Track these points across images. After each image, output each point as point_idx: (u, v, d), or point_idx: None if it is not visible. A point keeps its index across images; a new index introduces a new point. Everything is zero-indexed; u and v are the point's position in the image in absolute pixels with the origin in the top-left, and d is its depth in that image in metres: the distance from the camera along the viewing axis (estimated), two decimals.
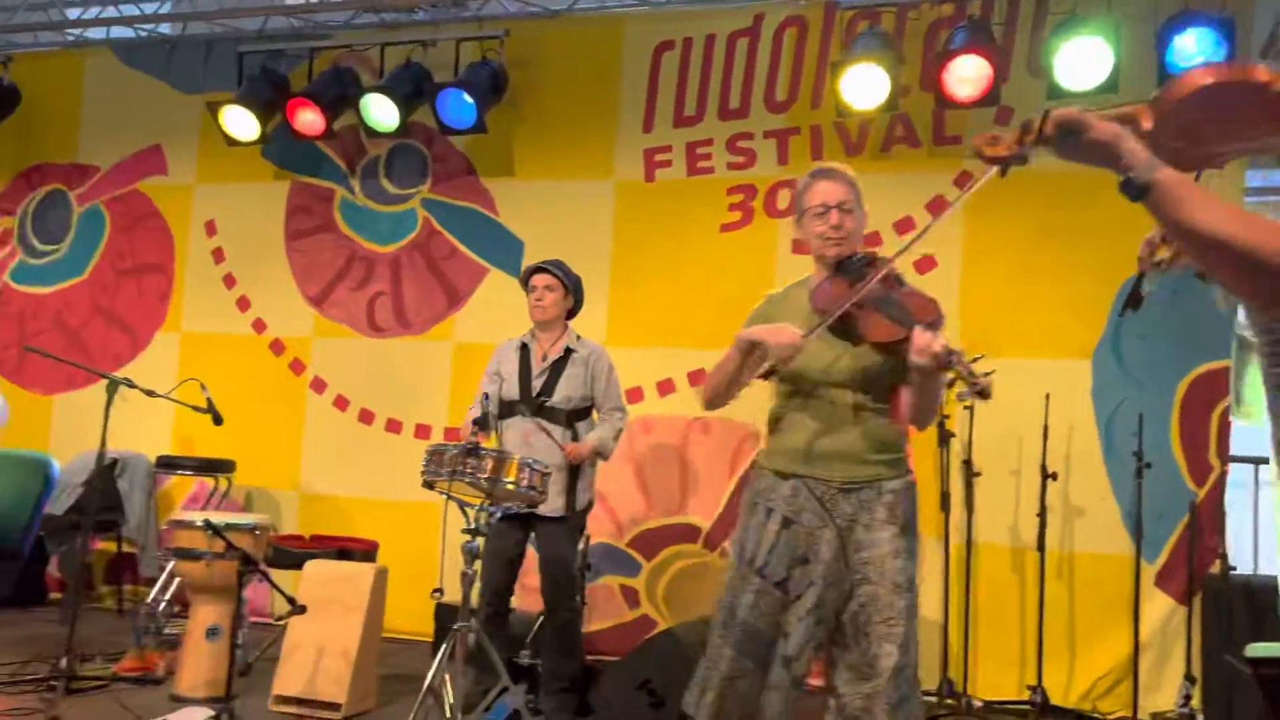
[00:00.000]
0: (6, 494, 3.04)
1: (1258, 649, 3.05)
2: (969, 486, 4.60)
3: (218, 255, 6.12)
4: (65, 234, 6.44)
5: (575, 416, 4.03)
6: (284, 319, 5.95)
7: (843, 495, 2.46)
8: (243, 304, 6.04)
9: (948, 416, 4.42)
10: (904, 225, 4.85)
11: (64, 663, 3.89)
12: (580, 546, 4.41)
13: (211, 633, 3.98)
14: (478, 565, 3.55)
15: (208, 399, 4.29)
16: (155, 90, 6.28)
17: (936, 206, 4.89)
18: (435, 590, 4.08)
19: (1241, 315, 4.95)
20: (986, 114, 4.84)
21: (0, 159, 6.52)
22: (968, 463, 4.59)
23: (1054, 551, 4.58)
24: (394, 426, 5.69)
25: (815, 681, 2.52)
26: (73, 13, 6.44)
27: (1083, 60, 4.47)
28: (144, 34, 6.41)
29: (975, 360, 2.28)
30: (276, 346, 5.95)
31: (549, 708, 3.92)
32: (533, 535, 4.00)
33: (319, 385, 5.86)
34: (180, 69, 6.26)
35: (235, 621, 3.73)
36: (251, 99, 5.64)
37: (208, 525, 3.70)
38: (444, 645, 3.46)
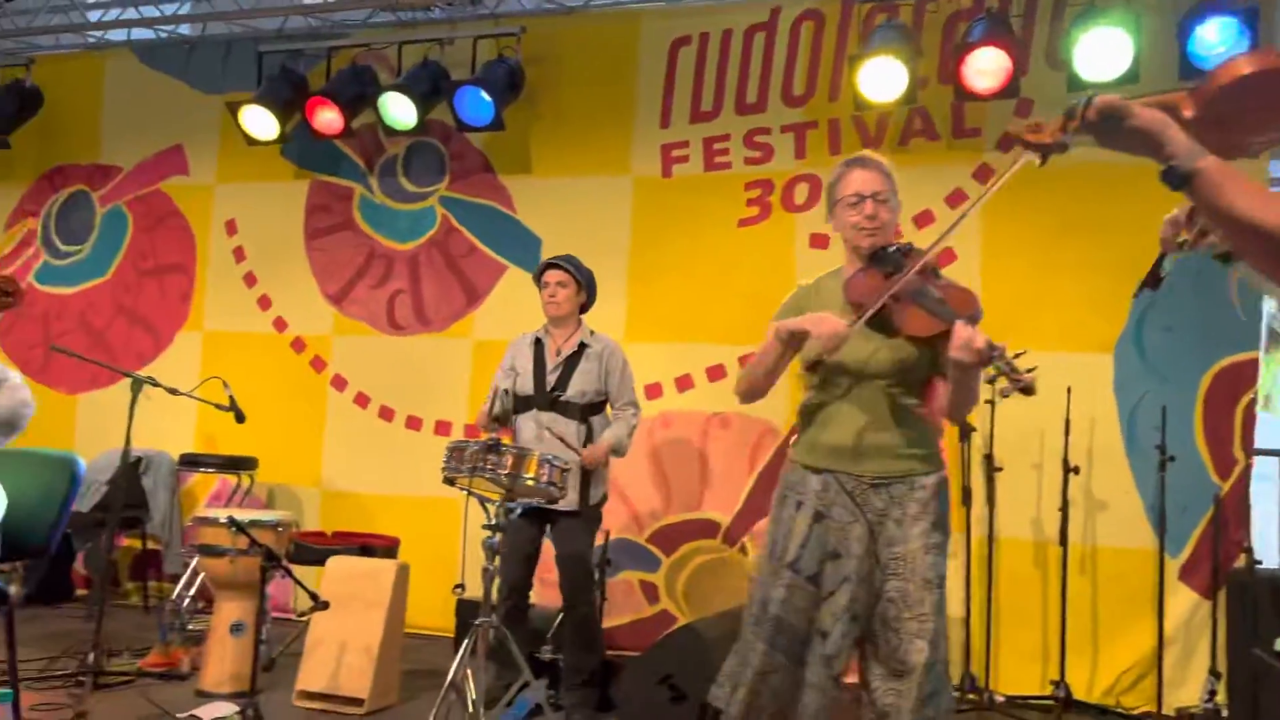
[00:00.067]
0: (34, 492, 3.07)
1: None
2: (990, 481, 4.58)
3: (238, 254, 6.16)
4: (88, 235, 6.50)
5: (589, 411, 4.05)
6: (304, 317, 5.99)
7: (873, 490, 2.45)
8: (264, 303, 6.08)
9: None
10: (923, 219, 4.83)
11: (91, 658, 3.93)
12: (600, 542, 4.43)
13: (235, 628, 4.01)
14: (498, 561, 3.57)
15: (230, 397, 4.32)
16: (175, 91, 6.33)
17: (956, 199, 4.87)
18: (457, 586, 4.11)
19: (1273, 305, 4.90)
20: (1005, 106, 4.81)
21: (23, 161, 6.58)
22: (989, 457, 4.57)
23: (1076, 546, 4.56)
24: (414, 423, 5.72)
25: (849, 678, 2.51)
26: (93, 14, 6.49)
27: (1103, 51, 4.43)
28: (164, 35, 6.45)
29: (1017, 356, 2.24)
30: (297, 344, 5.99)
31: (570, 702, 3.94)
32: (549, 531, 4.02)
33: (339, 383, 5.90)
34: (200, 69, 6.30)
35: (259, 617, 3.77)
36: (270, 99, 5.68)
37: (231, 522, 3.74)
38: (466, 641, 3.48)
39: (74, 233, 6.53)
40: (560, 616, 4.23)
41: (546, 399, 4.01)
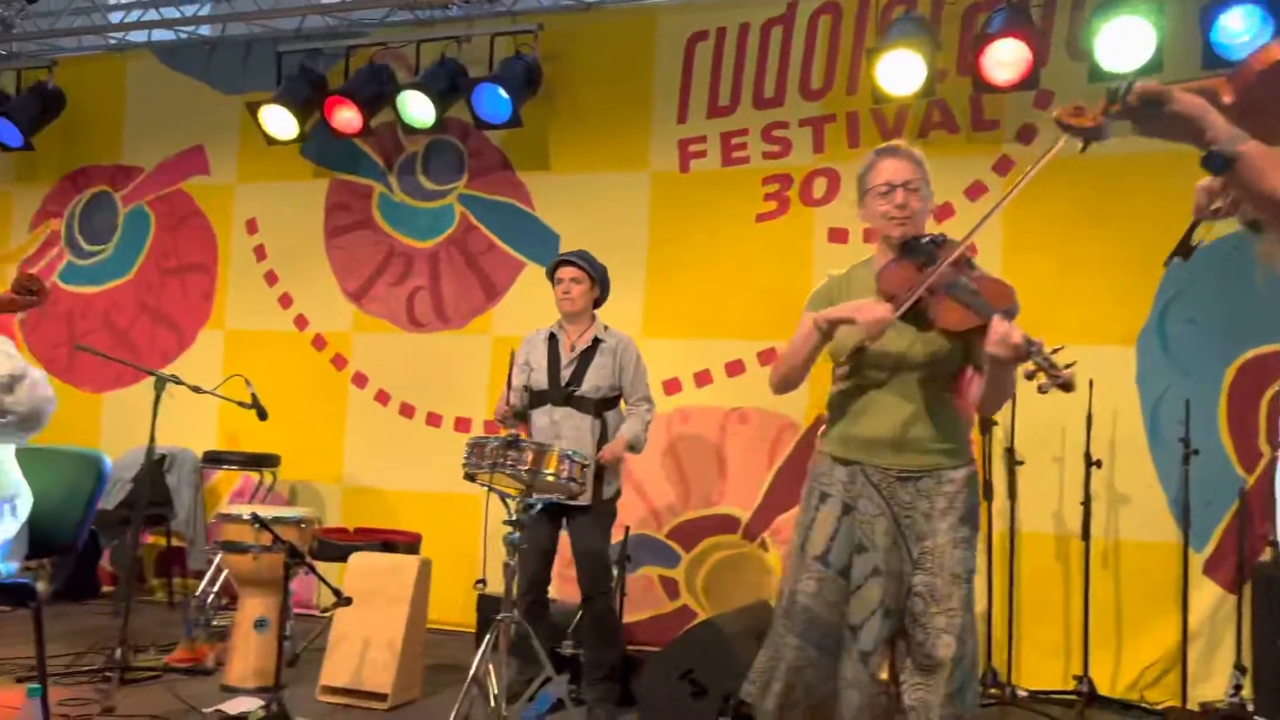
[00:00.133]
0: (60, 490, 3.10)
1: None
2: (1012, 475, 4.56)
3: (259, 253, 6.21)
4: (111, 235, 6.56)
5: (603, 406, 4.06)
6: (325, 315, 6.03)
7: (900, 483, 2.44)
8: (284, 301, 6.12)
9: None
10: (943, 212, 4.80)
11: (118, 654, 3.98)
12: (621, 538, 4.44)
13: (259, 624, 4.04)
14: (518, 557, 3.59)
15: (252, 394, 4.36)
16: (196, 91, 6.38)
17: (975, 192, 4.84)
18: (478, 581, 4.14)
19: None
20: (1025, 98, 4.78)
21: (47, 162, 6.65)
22: (1010, 451, 4.55)
23: (1099, 540, 4.53)
24: (434, 420, 5.75)
25: (880, 674, 2.50)
26: (114, 16, 6.55)
27: (1125, 41, 4.38)
28: (184, 36, 6.50)
29: (1055, 351, 2.20)
30: (318, 342, 6.03)
31: (592, 697, 3.95)
32: (565, 526, 4.03)
33: (360, 380, 5.93)
34: (220, 70, 6.34)
35: (282, 613, 3.80)
36: (290, 98, 5.71)
37: (255, 519, 3.77)
38: (487, 636, 3.50)
39: (97, 233, 6.59)
40: (581, 612, 4.24)
41: (561, 394, 4.02)
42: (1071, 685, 4.37)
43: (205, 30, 6.46)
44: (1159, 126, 1.41)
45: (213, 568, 5.12)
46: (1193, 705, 4.22)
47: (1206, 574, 4.43)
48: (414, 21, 5.93)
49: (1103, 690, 4.37)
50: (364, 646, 3.92)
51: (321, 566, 3.76)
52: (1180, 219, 1.77)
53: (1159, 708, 4.32)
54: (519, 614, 3.59)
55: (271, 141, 5.82)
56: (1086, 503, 4.37)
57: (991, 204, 4.75)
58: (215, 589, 5.03)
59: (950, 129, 4.99)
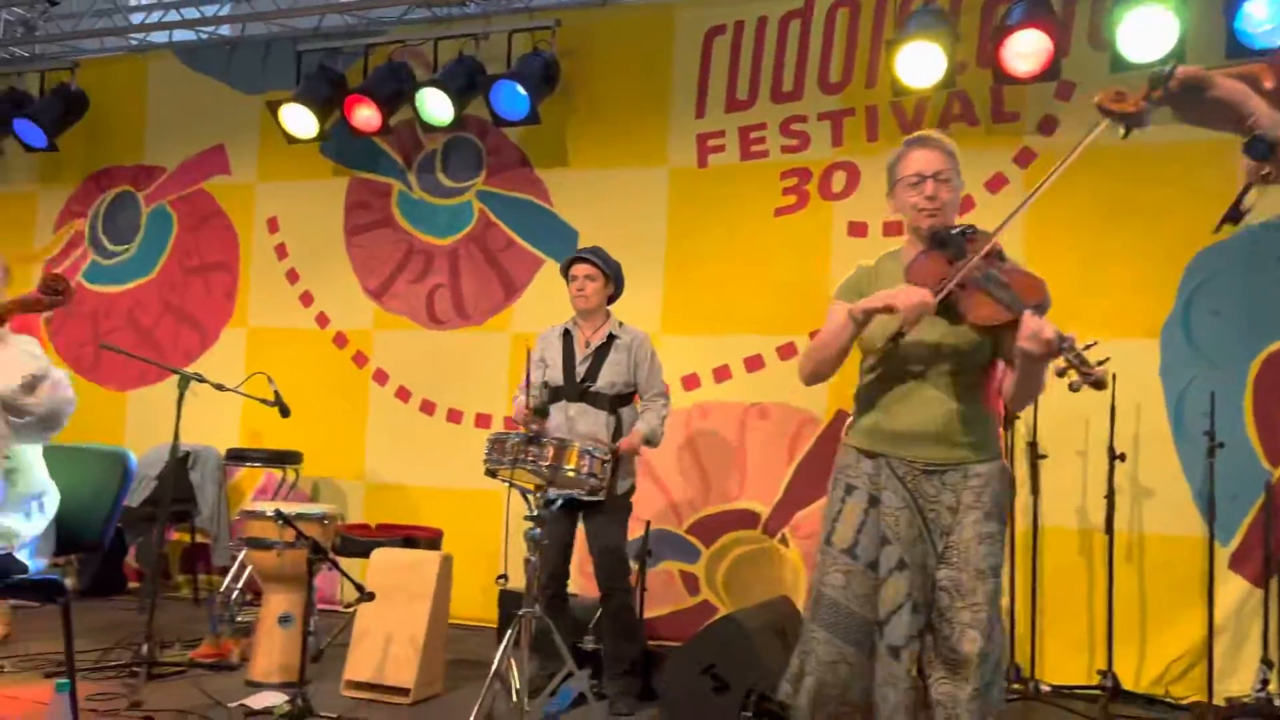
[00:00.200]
0: (87, 487, 3.13)
1: None
2: (1034, 469, 4.53)
3: (280, 251, 6.25)
4: (134, 234, 6.62)
5: (618, 402, 4.07)
6: (346, 313, 6.06)
7: (925, 476, 2.42)
8: (306, 299, 6.16)
9: None
10: (964, 205, 4.72)
11: (145, 649, 4.02)
12: (641, 534, 4.45)
13: (283, 620, 4.08)
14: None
15: (275, 392, 4.39)
16: (217, 91, 6.42)
17: (996, 184, 4.81)
18: (500, 576, 4.15)
19: None
20: (1046, 89, 4.75)
21: (71, 162, 6.71)
22: (1033, 445, 4.52)
23: (1123, 534, 4.50)
24: (455, 416, 5.77)
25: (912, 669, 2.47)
26: (136, 17, 6.60)
27: (1147, 30, 4.33)
28: (205, 36, 6.55)
29: (1088, 347, 2.16)
30: (339, 340, 6.06)
31: (613, 692, 3.96)
32: (582, 522, 4.05)
33: (381, 377, 5.96)
34: (240, 70, 6.39)
35: (306, 609, 3.83)
36: (309, 97, 5.74)
37: (279, 515, 3.80)
38: (509, 631, 3.51)
39: (121, 232, 6.66)
40: (601, 607, 4.25)
41: (576, 390, 4.04)
42: (1095, 680, 4.35)
43: (225, 30, 6.50)
44: (1199, 113, 1.39)
45: (237, 564, 5.16)
46: (1219, 700, 4.18)
47: (1232, 568, 4.39)
48: (432, 19, 5.94)
49: (1127, 685, 4.34)
50: (387, 642, 3.95)
51: (344, 562, 3.78)
52: (1205, 210, 1.76)
53: (1184, 702, 4.29)
54: (540, 609, 3.60)
55: (292, 140, 5.86)
56: (1110, 496, 4.34)
57: (1012, 195, 4.77)
58: (239, 585, 5.07)
59: (970, 121, 4.95)
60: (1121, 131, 1.55)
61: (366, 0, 5.97)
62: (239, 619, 4.64)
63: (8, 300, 2.99)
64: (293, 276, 6.20)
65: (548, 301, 5.48)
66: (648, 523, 4.67)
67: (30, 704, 3.49)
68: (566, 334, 4.17)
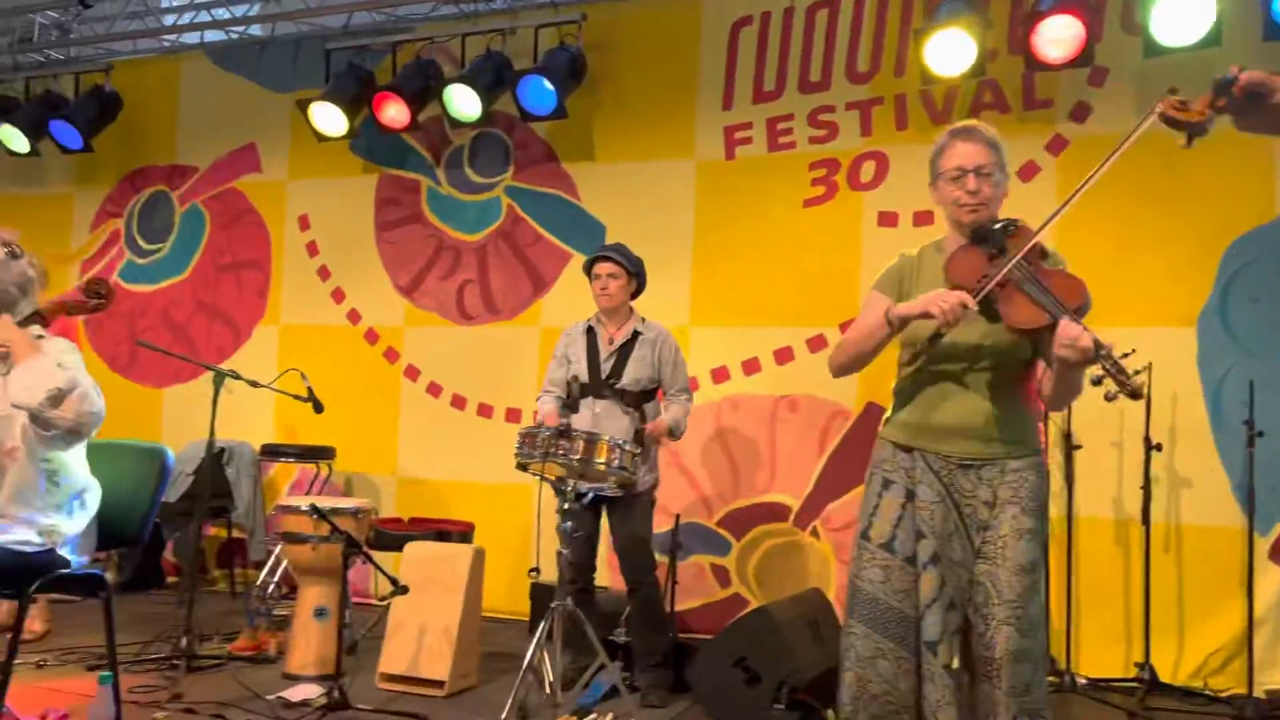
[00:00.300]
0: (127, 484, 3.18)
1: None
2: (1069, 459, 4.48)
3: (311, 249, 6.30)
4: (168, 233, 6.70)
5: (643, 398, 4.08)
6: (377, 309, 6.11)
7: (961, 471, 2.40)
8: (337, 295, 6.21)
9: None
10: None
11: (184, 643, 4.08)
12: (667, 526, 4.45)
13: (319, 613, 4.12)
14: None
15: (308, 388, 4.43)
16: (247, 91, 6.49)
17: (1028, 173, 4.76)
18: (532, 569, 4.17)
19: None
20: (1079, 75, 4.69)
21: (106, 163, 6.81)
22: (1067, 436, 4.47)
23: (1160, 524, 4.44)
24: (485, 411, 5.80)
25: (954, 663, 2.45)
26: (167, 19, 6.68)
27: (1182, 13, 4.27)
28: (235, 36, 6.61)
29: (1125, 356, 2.14)
30: (371, 336, 6.11)
31: (645, 684, 3.97)
32: (606, 515, 4.06)
33: (412, 373, 6.00)
34: (270, 69, 6.44)
35: (341, 602, 3.87)
36: (338, 95, 5.78)
37: (314, 510, 3.84)
38: (542, 623, 3.53)
39: (155, 232, 6.74)
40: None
41: (602, 388, 4.05)
42: (1133, 673, 4.30)
43: (256, 30, 6.56)
44: (1264, 119, 1.36)
45: (272, 558, 5.23)
46: (1258, 693, 4.12)
47: (1272, 559, 4.33)
48: (459, 15, 5.97)
49: (1164, 677, 4.29)
50: (421, 634, 3.98)
51: (378, 556, 3.81)
52: (1240, 197, 1.73)
53: (1224, 695, 4.23)
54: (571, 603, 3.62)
55: (321, 138, 5.91)
56: (1146, 487, 4.28)
57: (1045, 182, 4.71)
58: (275, 579, 5.13)
59: (1001, 109, 4.90)
60: (1183, 140, 1.51)
61: None
62: (275, 612, 4.70)
63: (52, 303, 3.04)
64: (324, 273, 6.26)
65: (576, 296, 5.48)
66: (677, 516, 4.67)
67: (75, 696, 3.55)
68: (590, 331, 4.18)
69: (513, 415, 5.68)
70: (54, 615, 4.61)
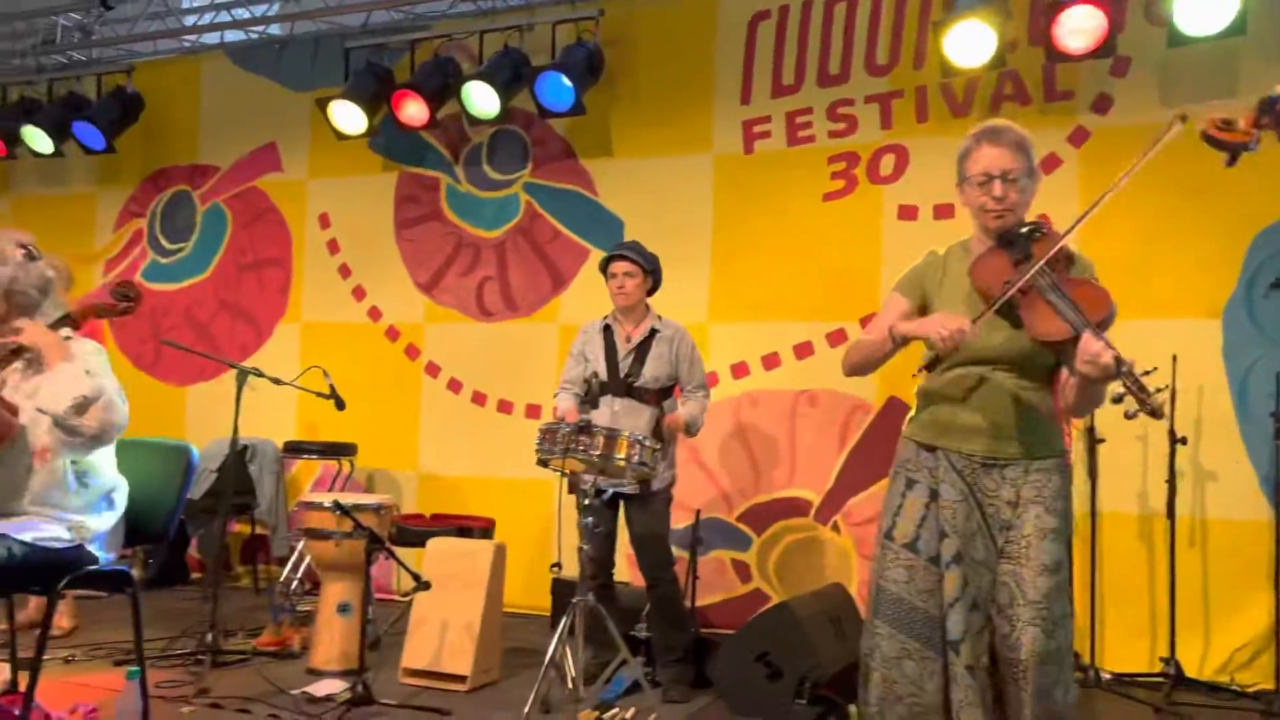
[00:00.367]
0: (153, 481, 3.21)
1: None
2: (1092, 454, 4.45)
3: (332, 247, 6.34)
4: (191, 232, 6.76)
5: (661, 395, 4.09)
6: (397, 306, 6.14)
7: (984, 470, 2.39)
8: (358, 293, 6.24)
9: None
10: None
11: (209, 638, 4.12)
12: (686, 522, 4.45)
13: (342, 609, 4.15)
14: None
15: (330, 385, 4.45)
16: (268, 90, 6.53)
17: (1050, 165, 4.72)
18: (554, 565, 4.18)
19: None
20: (1101, 66, 4.65)
21: (128, 164, 6.86)
22: (1090, 429, 4.44)
23: (1185, 518, 4.40)
24: (505, 407, 5.82)
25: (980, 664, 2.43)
26: (188, 19, 6.73)
27: (1206, 4, 4.22)
28: (255, 36, 6.65)
29: (1146, 374, 2.12)
30: (391, 333, 6.14)
31: (666, 679, 3.98)
32: (624, 512, 4.06)
33: (433, 369, 6.03)
34: (290, 68, 6.48)
35: (364, 598, 3.89)
36: (357, 93, 5.81)
37: (336, 506, 3.86)
38: (564, 618, 3.54)
39: (178, 231, 6.80)
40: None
41: (621, 386, 4.05)
42: (1158, 667, 4.27)
43: (275, 30, 6.60)
44: None
45: (295, 554, 5.26)
46: None
47: None
48: (477, 12, 5.98)
49: (1190, 672, 4.25)
50: (443, 629, 4.00)
51: (400, 552, 3.83)
52: (1266, 189, 1.70)
53: (1250, 690, 4.19)
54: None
55: (341, 137, 5.94)
56: (1171, 480, 4.25)
57: (1067, 175, 4.67)
58: (298, 575, 5.17)
59: (1022, 101, 4.87)
60: (1226, 159, 1.48)
61: None
62: (299, 608, 4.73)
63: (82, 306, 3.07)
64: (345, 271, 6.29)
65: (595, 292, 5.47)
66: (698, 511, 4.67)
67: (102, 691, 3.59)
68: (607, 329, 4.18)
69: (533, 411, 5.70)
70: (81, 611, 4.66)
